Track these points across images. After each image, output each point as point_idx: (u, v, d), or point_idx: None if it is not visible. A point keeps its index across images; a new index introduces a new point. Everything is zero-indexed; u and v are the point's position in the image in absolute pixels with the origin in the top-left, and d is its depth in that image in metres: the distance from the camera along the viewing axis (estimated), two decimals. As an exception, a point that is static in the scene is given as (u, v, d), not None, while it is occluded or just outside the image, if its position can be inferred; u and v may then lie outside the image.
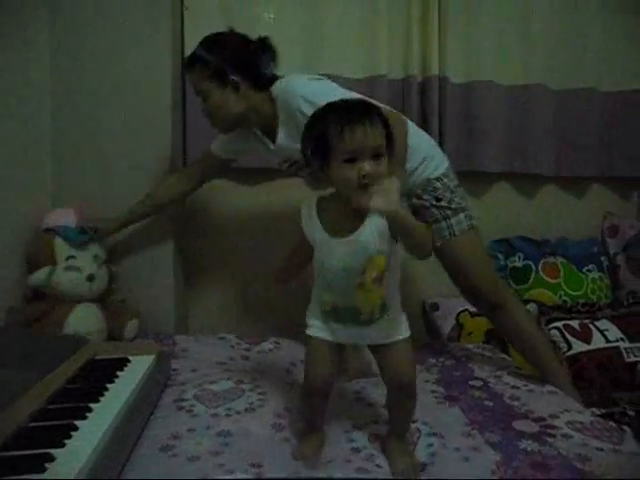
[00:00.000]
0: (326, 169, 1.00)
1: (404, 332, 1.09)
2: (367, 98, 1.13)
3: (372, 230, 1.01)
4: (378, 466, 1.05)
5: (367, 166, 0.96)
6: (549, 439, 1.14)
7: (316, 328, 1.11)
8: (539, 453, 1.08)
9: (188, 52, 1.93)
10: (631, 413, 1.64)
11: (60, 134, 1.86)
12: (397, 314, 1.09)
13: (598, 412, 1.51)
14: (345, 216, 1.03)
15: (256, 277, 1.16)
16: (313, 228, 1.07)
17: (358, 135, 0.95)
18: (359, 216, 1.02)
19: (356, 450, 1.10)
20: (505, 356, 1.78)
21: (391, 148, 1.01)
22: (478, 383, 1.46)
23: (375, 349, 1.11)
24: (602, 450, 1.10)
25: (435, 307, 2.16)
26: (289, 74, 1.55)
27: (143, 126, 1.86)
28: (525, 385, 1.44)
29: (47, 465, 0.83)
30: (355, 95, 1.37)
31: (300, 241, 1.13)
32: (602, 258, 2.25)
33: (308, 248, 1.10)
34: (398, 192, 0.94)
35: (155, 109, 1.87)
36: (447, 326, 2.09)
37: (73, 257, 1.69)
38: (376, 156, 0.97)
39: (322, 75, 1.99)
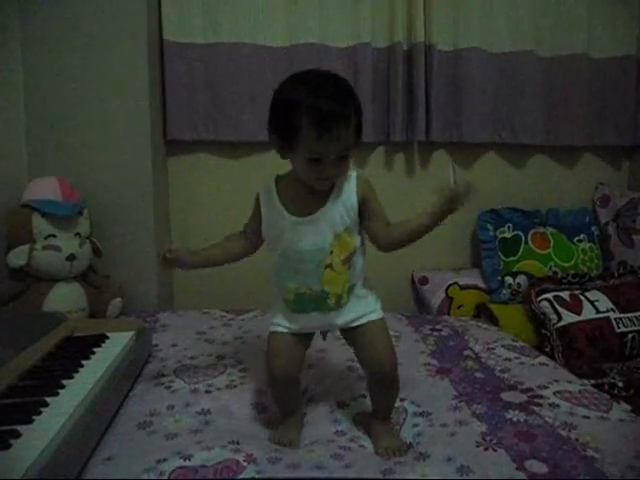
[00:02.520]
0: (287, 152, 0.97)
1: (375, 313, 1.05)
2: (343, 78, 1.00)
3: (338, 207, 0.99)
4: (362, 446, 1.04)
5: (330, 170, 0.94)
6: (536, 409, 1.12)
7: (278, 325, 1.07)
8: (525, 423, 1.06)
9: (166, 24, 1.90)
10: (620, 384, 1.64)
11: (34, 106, 1.79)
12: (364, 294, 1.06)
13: (588, 383, 1.50)
14: (307, 194, 1.00)
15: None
16: (275, 211, 1.03)
17: (328, 141, 0.91)
18: (322, 193, 0.99)
19: (340, 432, 1.08)
20: (499, 329, 1.75)
21: (359, 136, 0.97)
22: (471, 355, 1.44)
23: (347, 334, 1.08)
24: (589, 418, 1.09)
25: (424, 281, 2.14)
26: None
27: (120, 97, 1.80)
28: (517, 358, 1.43)
29: (12, 441, 0.80)
30: None
31: (246, 229, 1.10)
32: (593, 228, 2.23)
33: (254, 238, 1.08)
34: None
35: (133, 81, 1.81)
36: (437, 299, 2.08)
37: (53, 236, 1.63)
38: (341, 157, 0.95)
39: (305, 44, 1.95)
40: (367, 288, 1.07)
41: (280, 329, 1.06)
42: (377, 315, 1.05)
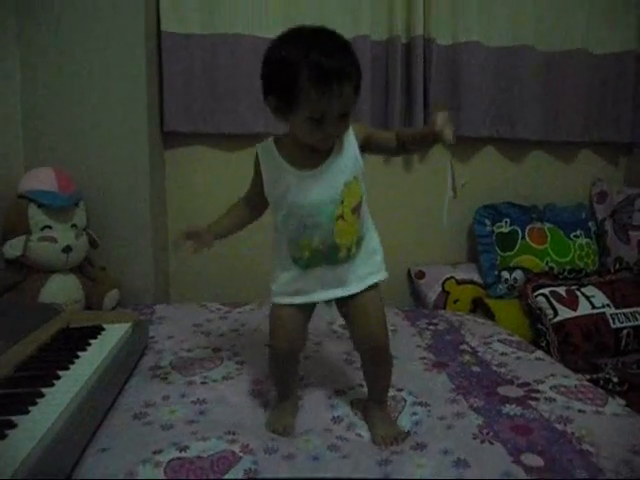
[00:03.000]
0: (284, 113, 0.94)
1: (382, 273, 1.05)
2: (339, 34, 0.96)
3: (343, 156, 0.98)
4: (359, 435, 1.03)
5: (333, 129, 0.92)
6: (532, 403, 1.13)
7: (281, 295, 1.05)
8: (521, 416, 1.06)
9: (164, 15, 1.88)
10: (615, 379, 1.64)
11: (30, 97, 1.78)
12: (374, 249, 1.05)
13: (583, 378, 1.51)
14: (308, 149, 0.97)
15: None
16: (278, 167, 1.00)
17: (331, 99, 0.88)
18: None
19: (337, 418, 1.08)
20: (495, 324, 1.76)
21: (358, 93, 0.95)
22: (467, 349, 1.44)
23: (343, 305, 1.06)
24: (584, 412, 1.09)
25: (421, 275, 2.14)
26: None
27: (117, 89, 1.79)
28: (513, 352, 1.43)
29: (7, 432, 0.80)
30: None
31: (248, 195, 1.09)
32: (590, 224, 2.23)
33: (258, 201, 1.06)
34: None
35: (131, 72, 1.79)
36: (433, 294, 2.08)
37: (49, 227, 1.63)
38: (343, 114, 0.92)
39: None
40: (377, 242, 1.06)
41: (283, 300, 1.04)
42: (382, 275, 1.05)
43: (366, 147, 1.02)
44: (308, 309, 1.07)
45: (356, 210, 0.99)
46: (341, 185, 0.97)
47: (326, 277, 1.03)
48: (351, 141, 0.99)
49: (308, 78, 0.88)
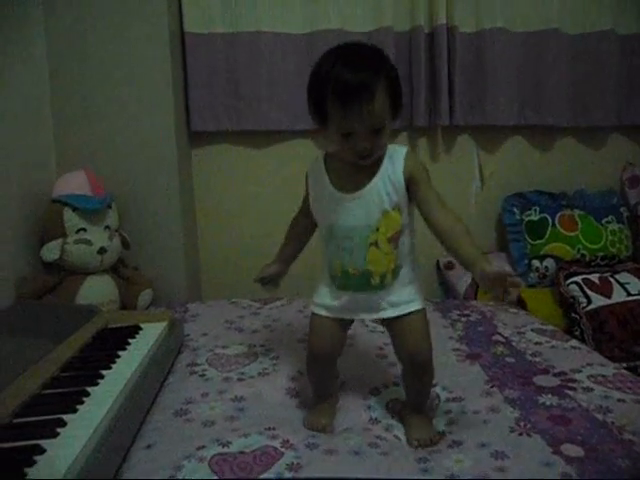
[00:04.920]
0: (322, 128, 0.95)
1: (418, 303, 1.02)
2: (378, 49, 0.97)
3: (385, 183, 0.96)
4: (396, 437, 1.03)
5: (363, 144, 0.91)
6: (569, 392, 1.12)
7: (320, 307, 1.05)
8: (559, 407, 1.06)
9: (187, 20, 1.90)
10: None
11: (60, 103, 1.83)
12: (410, 280, 1.02)
13: (621, 366, 1.48)
14: (353, 171, 0.97)
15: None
16: (321, 184, 1.01)
17: (352, 115, 0.88)
18: (369, 169, 0.97)
19: (375, 420, 1.08)
20: (528, 313, 1.74)
21: (397, 109, 0.94)
22: (501, 339, 1.44)
23: (388, 324, 1.05)
24: (624, 401, 1.07)
25: (450, 266, 2.13)
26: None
27: (144, 91, 1.82)
28: (548, 341, 1.41)
29: (59, 430, 0.83)
30: None
31: (303, 208, 1.10)
32: (622, 209, 2.18)
33: (311, 215, 1.07)
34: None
35: (157, 74, 1.82)
36: (463, 285, 2.06)
37: (83, 229, 1.67)
38: (375, 130, 0.91)
39: (325, 30, 1.94)
40: (414, 274, 1.03)
41: (322, 312, 1.05)
42: (419, 305, 1.02)
43: (408, 186, 0.97)
44: (346, 320, 1.07)
45: (393, 240, 0.97)
46: (378, 212, 0.96)
47: (359, 302, 1.02)
48: (398, 166, 0.97)
49: (332, 92, 0.88)
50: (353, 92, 0.87)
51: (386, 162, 0.97)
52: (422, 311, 1.02)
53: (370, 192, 0.96)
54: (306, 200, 1.09)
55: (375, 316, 1.04)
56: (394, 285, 1.00)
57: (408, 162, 0.97)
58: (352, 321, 1.09)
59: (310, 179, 1.06)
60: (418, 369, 1.03)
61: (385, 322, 1.06)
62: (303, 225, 1.12)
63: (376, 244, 0.97)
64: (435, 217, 0.97)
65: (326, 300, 1.05)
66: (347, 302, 1.03)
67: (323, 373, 1.10)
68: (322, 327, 1.05)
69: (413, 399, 1.07)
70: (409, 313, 1.01)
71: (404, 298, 1.01)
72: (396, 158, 0.97)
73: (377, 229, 0.96)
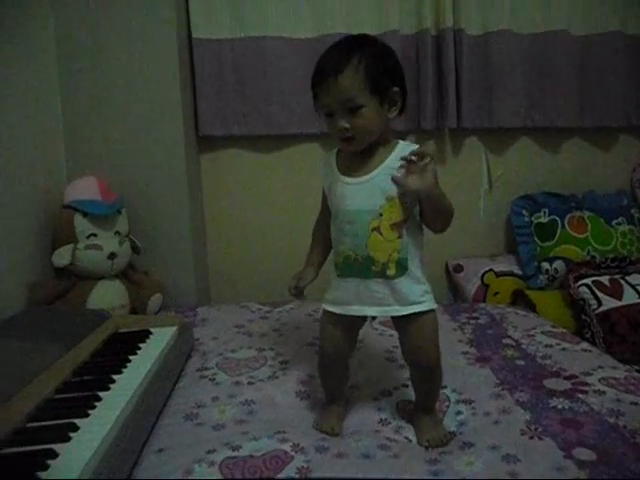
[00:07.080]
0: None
1: (428, 304, 1.01)
2: (369, 35, 1.05)
3: (390, 171, 0.97)
4: (407, 438, 1.03)
5: (341, 122, 0.95)
6: (581, 396, 1.11)
7: (328, 301, 1.06)
8: (570, 410, 1.05)
9: (194, 22, 1.92)
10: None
11: (70, 109, 1.84)
12: (420, 279, 1.00)
13: (633, 369, 1.47)
14: (360, 157, 1.00)
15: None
16: (329, 171, 1.04)
17: (324, 92, 0.95)
18: (377, 159, 0.99)
19: (384, 421, 1.08)
20: (537, 315, 1.73)
21: (382, 93, 0.95)
22: (511, 342, 1.43)
23: (397, 324, 1.05)
24: (636, 404, 1.07)
25: (459, 268, 2.13)
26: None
27: (153, 97, 1.83)
28: (558, 344, 1.41)
29: (71, 434, 0.83)
30: None
31: (323, 208, 1.12)
32: (632, 211, 2.17)
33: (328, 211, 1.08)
34: (434, 172, 0.94)
35: (165, 80, 1.83)
36: (472, 287, 2.06)
37: (94, 235, 1.68)
38: (353, 109, 0.94)
39: (332, 34, 1.94)
40: (421, 273, 1.02)
41: (329, 306, 1.05)
42: (430, 306, 1.01)
43: None
44: (357, 318, 1.06)
45: (396, 227, 0.97)
46: (382, 198, 0.97)
47: (361, 291, 1.01)
48: (395, 158, 0.98)
49: (312, 76, 0.97)
50: (322, 68, 0.95)
51: (393, 156, 0.98)
52: (432, 313, 1.02)
53: (376, 177, 0.98)
54: (324, 198, 1.10)
55: (382, 311, 1.03)
56: (402, 281, 0.99)
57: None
58: (363, 321, 1.09)
59: (322, 172, 1.08)
60: (424, 371, 1.04)
61: (395, 321, 1.06)
62: (327, 225, 1.10)
63: (378, 230, 0.97)
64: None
65: (333, 292, 1.05)
66: (348, 292, 1.02)
67: (332, 373, 1.10)
68: (330, 324, 1.06)
69: (422, 400, 1.07)
70: (418, 313, 1.00)
71: (413, 297, 1.00)
72: (393, 150, 1.00)
73: (380, 214, 0.97)
